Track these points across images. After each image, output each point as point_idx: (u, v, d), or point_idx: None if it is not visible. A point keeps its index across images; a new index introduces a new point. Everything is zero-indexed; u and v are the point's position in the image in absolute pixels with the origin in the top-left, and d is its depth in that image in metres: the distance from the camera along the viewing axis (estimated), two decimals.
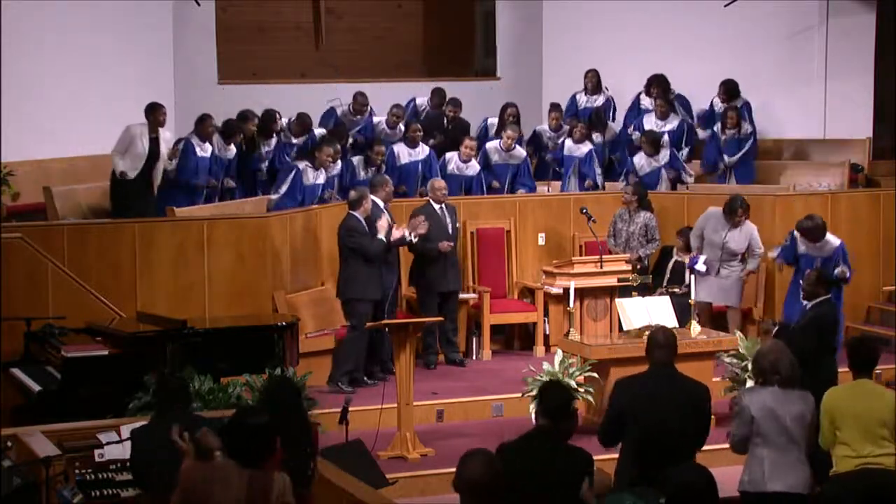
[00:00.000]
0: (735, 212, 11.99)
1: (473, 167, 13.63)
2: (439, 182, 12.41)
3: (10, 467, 7.23)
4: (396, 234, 11.50)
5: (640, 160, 13.94)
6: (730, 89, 14.65)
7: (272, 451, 5.76)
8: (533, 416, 9.87)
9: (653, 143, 13.95)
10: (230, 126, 12.99)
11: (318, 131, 13.81)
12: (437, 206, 12.17)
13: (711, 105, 14.90)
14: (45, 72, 13.17)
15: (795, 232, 11.69)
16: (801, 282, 10.24)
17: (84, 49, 13.63)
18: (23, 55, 12.90)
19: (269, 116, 13.40)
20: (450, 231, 12.13)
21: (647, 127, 14.37)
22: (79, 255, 10.93)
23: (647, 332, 10.22)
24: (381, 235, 11.36)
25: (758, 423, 7.02)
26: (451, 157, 13.63)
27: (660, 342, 7.19)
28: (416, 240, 11.72)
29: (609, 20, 15.66)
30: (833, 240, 11.60)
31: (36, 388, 9.17)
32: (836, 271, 11.33)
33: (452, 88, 15.02)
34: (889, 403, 7.17)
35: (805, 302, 9.80)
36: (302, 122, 13.66)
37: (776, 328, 9.53)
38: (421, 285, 12.14)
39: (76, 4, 13.47)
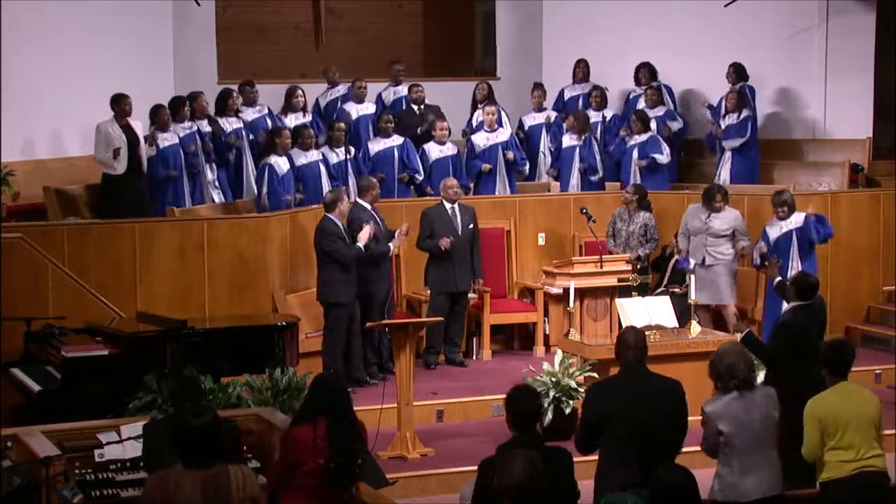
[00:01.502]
0: (713, 197, 12.10)
1: (451, 147, 13.70)
2: (451, 181, 12.41)
3: (10, 467, 7.23)
4: (385, 243, 11.48)
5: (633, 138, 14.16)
6: (738, 70, 14.67)
7: (220, 450, 5.73)
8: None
9: (642, 120, 14.04)
10: (174, 104, 13.01)
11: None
12: (448, 206, 12.18)
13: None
14: (45, 72, 13.16)
15: (766, 226, 12.04)
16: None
17: (84, 49, 13.63)
18: (23, 55, 12.89)
19: (225, 94, 13.46)
20: (459, 231, 12.12)
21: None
22: (79, 255, 10.94)
23: (646, 332, 10.27)
24: (361, 244, 11.31)
25: (725, 433, 6.94)
26: (429, 145, 13.66)
27: (630, 343, 7.11)
28: (395, 248, 11.69)
29: (609, 20, 15.66)
30: (799, 213, 12.01)
31: (36, 388, 9.16)
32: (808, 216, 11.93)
33: (452, 88, 15.03)
34: (873, 403, 7.17)
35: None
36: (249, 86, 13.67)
37: (746, 332, 9.33)
38: (431, 285, 12.16)
39: (76, 4, 13.47)
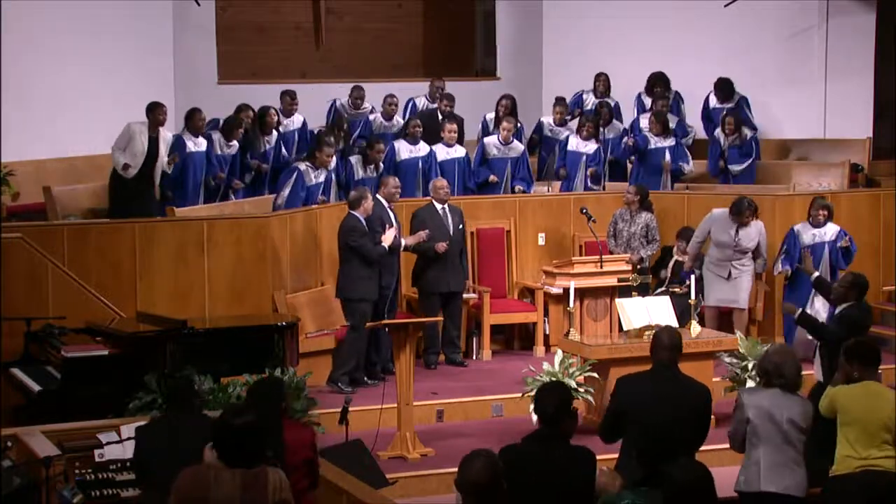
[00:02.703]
0: (742, 213, 12.03)
1: (459, 150, 13.68)
2: (441, 182, 12.40)
3: (10, 467, 7.23)
4: (399, 240, 11.50)
5: (647, 141, 14.06)
6: (724, 90, 14.64)
7: (262, 450, 5.77)
8: (534, 416, 9.91)
9: (662, 123, 13.98)
10: (230, 123, 12.99)
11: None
12: (439, 207, 12.16)
13: (707, 103, 14.89)
14: (45, 72, 13.17)
15: (796, 227, 12.08)
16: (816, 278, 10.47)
17: (84, 49, 13.64)
18: (23, 55, 12.90)
19: (264, 112, 13.39)
20: (451, 232, 12.11)
21: (643, 126, 14.43)
22: (79, 255, 10.93)
23: (647, 332, 10.28)
24: (386, 244, 11.33)
25: (754, 423, 7.04)
26: (437, 147, 13.67)
27: (664, 343, 7.18)
28: (413, 244, 11.76)
29: (609, 20, 15.66)
30: (833, 225, 12.15)
31: (36, 388, 9.16)
32: (839, 244, 12.01)
33: (452, 88, 15.02)
34: (892, 406, 7.19)
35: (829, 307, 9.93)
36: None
37: (800, 311, 9.59)
38: (422, 286, 12.14)
39: (76, 5, 13.47)
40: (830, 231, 12.10)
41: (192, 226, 11.51)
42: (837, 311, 9.36)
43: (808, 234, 12.08)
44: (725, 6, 14.89)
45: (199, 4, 14.90)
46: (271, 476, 5.68)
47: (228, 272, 11.47)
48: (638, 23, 15.52)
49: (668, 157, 13.91)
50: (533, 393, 9.89)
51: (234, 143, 12.97)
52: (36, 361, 9.66)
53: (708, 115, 14.96)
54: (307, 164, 12.73)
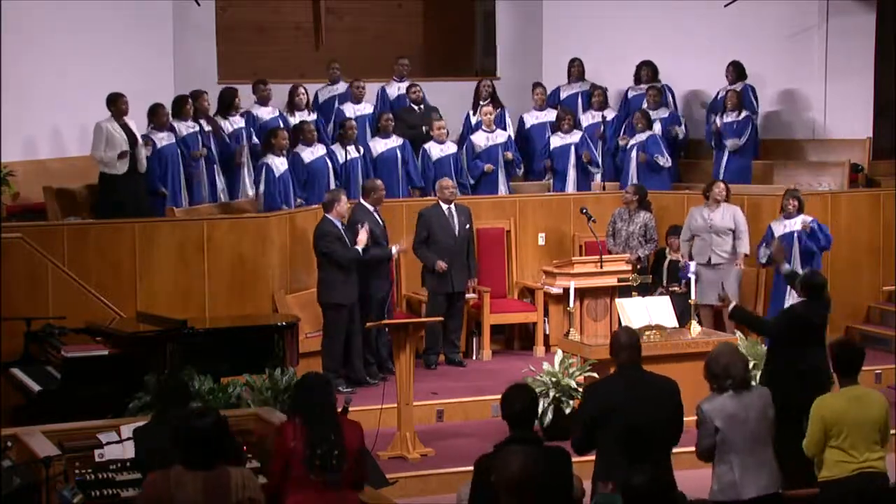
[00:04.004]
0: (711, 189, 12.22)
1: (451, 146, 13.78)
2: (446, 181, 12.40)
3: (10, 467, 7.22)
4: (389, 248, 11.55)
5: (634, 136, 14.14)
6: (737, 70, 14.67)
7: (222, 450, 5.79)
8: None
9: (646, 118, 14.10)
10: (177, 104, 13.02)
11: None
12: (445, 207, 12.17)
13: (717, 95, 14.94)
14: (45, 71, 13.15)
15: (772, 224, 12.11)
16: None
17: (84, 49, 13.62)
18: (23, 55, 12.89)
19: (229, 94, 13.48)
20: (456, 232, 12.12)
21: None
22: (79, 255, 10.94)
23: (647, 332, 10.29)
24: (359, 247, 11.31)
25: (722, 431, 6.99)
26: (429, 145, 13.71)
27: (623, 343, 7.13)
28: (396, 255, 11.79)
29: (609, 20, 15.65)
30: (806, 216, 12.11)
31: (36, 388, 9.17)
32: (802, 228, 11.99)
33: (452, 88, 15.02)
34: (880, 405, 7.18)
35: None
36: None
37: (732, 306, 9.65)
38: (428, 286, 12.15)
39: (76, 4, 13.46)
40: (802, 221, 12.06)
41: (192, 226, 11.52)
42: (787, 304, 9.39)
43: (780, 225, 12.09)
44: (725, 6, 14.88)
45: (199, 4, 14.89)
46: (234, 475, 5.70)
47: (228, 272, 11.47)
48: (638, 23, 15.51)
49: (634, 154, 13.96)
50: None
51: (191, 121, 12.95)
52: (36, 361, 9.67)
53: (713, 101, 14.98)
54: (270, 155, 12.72)
